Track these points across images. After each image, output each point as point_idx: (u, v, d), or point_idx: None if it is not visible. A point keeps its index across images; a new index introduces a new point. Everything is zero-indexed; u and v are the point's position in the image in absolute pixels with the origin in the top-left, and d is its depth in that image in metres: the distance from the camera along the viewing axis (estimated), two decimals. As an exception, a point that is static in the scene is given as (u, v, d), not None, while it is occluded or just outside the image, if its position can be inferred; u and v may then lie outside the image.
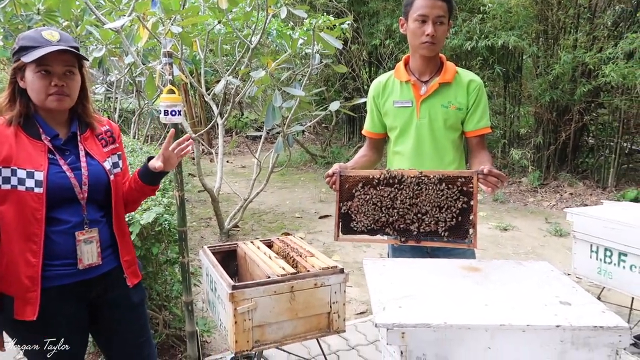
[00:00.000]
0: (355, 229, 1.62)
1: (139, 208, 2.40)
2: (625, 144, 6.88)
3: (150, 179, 1.68)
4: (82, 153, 1.57)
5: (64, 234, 1.51)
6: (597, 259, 2.65)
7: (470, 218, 1.53)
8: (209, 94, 4.92)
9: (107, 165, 1.62)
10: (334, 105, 4.19)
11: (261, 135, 5.43)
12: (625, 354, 1.28)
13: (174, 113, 2.11)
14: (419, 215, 1.56)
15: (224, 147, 5.07)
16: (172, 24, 3.66)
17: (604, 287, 2.76)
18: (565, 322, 1.25)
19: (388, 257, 2.07)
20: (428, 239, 1.59)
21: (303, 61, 5.57)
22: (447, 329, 1.24)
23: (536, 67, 6.82)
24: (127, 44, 3.72)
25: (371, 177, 1.59)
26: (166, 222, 2.38)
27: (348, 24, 6.59)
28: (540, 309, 1.33)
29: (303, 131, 11.23)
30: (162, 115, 2.12)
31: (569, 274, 3.80)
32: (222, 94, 4.54)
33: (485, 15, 6.51)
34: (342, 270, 2.01)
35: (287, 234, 5.41)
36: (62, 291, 1.51)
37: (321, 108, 5.72)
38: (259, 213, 6.09)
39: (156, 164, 1.64)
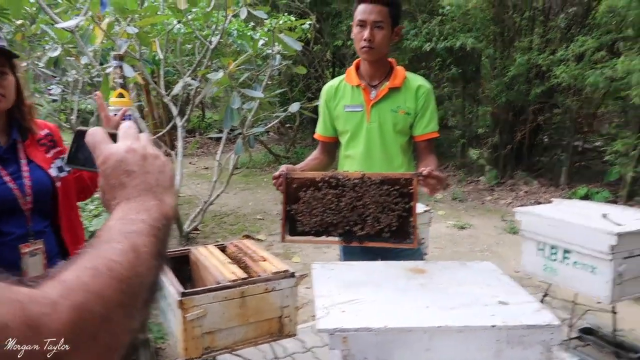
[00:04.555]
0: (301, 230, 1.63)
1: (89, 214, 2.34)
2: (577, 143, 7.15)
3: None
4: (23, 162, 1.51)
5: (7, 247, 1.45)
6: (543, 257, 2.74)
7: (411, 219, 1.57)
8: (168, 95, 4.84)
9: (53, 171, 1.57)
10: (294, 107, 4.19)
11: (222, 137, 5.38)
12: (557, 350, 1.33)
13: (124, 118, 2.07)
14: (362, 216, 1.59)
15: (184, 149, 5.00)
16: (127, 25, 3.59)
17: (550, 284, 2.87)
18: (500, 322, 1.29)
19: (340, 259, 2.10)
20: (371, 240, 1.61)
21: (266, 61, 5.56)
22: (388, 332, 1.27)
23: (493, 68, 7.01)
24: (81, 44, 3.62)
25: (316, 179, 1.61)
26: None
27: (309, 25, 6.62)
28: (479, 310, 1.37)
29: (267, 132, 11.20)
30: (111, 120, 2.07)
31: (518, 272, 3.94)
32: (181, 95, 4.48)
33: (444, 17, 6.65)
34: (293, 275, 2.01)
35: (247, 236, 5.40)
36: None
37: (284, 109, 5.71)
38: (220, 215, 6.03)
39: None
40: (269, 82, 8.88)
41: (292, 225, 1.64)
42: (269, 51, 4.70)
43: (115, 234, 0.50)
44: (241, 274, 1.96)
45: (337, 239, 1.63)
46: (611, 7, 4.87)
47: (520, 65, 6.19)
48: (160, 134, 4.56)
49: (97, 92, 1.64)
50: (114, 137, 0.63)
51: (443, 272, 1.64)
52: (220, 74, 3.53)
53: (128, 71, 3.01)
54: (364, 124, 1.88)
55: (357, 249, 1.91)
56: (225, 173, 5.40)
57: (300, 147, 9.98)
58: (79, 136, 0.70)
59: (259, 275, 1.99)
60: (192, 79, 4.28)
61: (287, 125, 10.30)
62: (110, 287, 0.44)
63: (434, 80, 7.59)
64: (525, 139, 7.26)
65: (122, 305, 0.44)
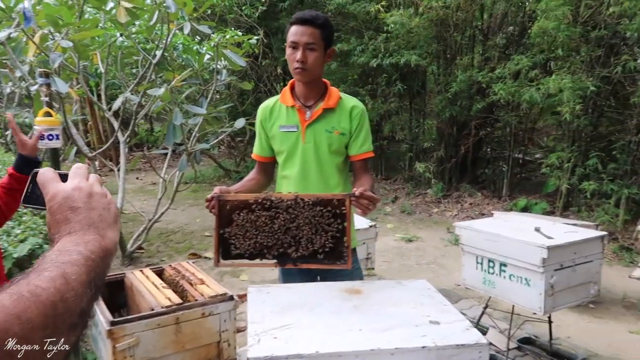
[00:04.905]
0: (235, 254, 1.60)
1: (14, 239, 2.21)
2: (518, 156, 7.47)
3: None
4: None
5: None
6: (482, 270, 2.82)
7: (344, 240, 1.57)
8: (110, 110, 4.69)
9: None
10: (240, 122, 4.15)
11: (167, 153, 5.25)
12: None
13: (50, 137, 1.97)
14: (296, 238, 1.58)
15: (126, 165, 4.83)
16: (62, 38, 3.45)
17: (489, 297, 2.95)
18: (431, 342, 1.31)
19: (279, 280, 2.07)
20: (305, 261, 1.60)
21: (213, 76, 5.50)
22: (319, 358, 1.25)
23: (437, 84, 7.24)
24: (13, 57, 3.45)
25: (249, 201, 1.59)
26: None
27: (257, 40, 6.62)
28: (411, 330, 1.38)
29: (219, 145, 11.05)
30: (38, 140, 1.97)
31: (459, 285, 4.03)
32: (122, 110, 4.34)
33: (389, 35, 6.81)
34: (231, 297, 1.97)
35: (194, 254, 5.27)
36: None
37: (230, 124, 5.65)
38: (166, 233, 5.86)
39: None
40: (217, 97, 8.78)
41: (226, 249, 1.60)
42: (218, 66, 4.65)
43: (47, 263, 0.54)
44: (176, 299, 1.90)
45: (272, 261, 1.60)
46: (542, 29, 5.15)
47: (461, 82, 6.42)
48: (102, 149, 4.39)
49: (8, 114, 1.56)
50: (65, 177, 0.68)
51: (378, 292, 1.64)
52: (162, 90, 3.45)
53: (61, 86, 2.89)
54: (300, 145, 1.88)
55: (296, 270, 1.90)
56: (172, 189, 5.27)
57: (251, 162, 9.88)
58: (34, 176, 0.74)
59: (196, 300, 1.93)
60: (133, 93, 4.16)
61: (239, 139, 10.20)
62: (31, 310, 0.47)
63: (380, 95, 7.74)
64: (469, 153, 7.51)
65: (44, 328, 0.48)
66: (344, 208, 1.55)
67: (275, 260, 1.59)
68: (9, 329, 0.44)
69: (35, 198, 0.74)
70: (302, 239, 1.57)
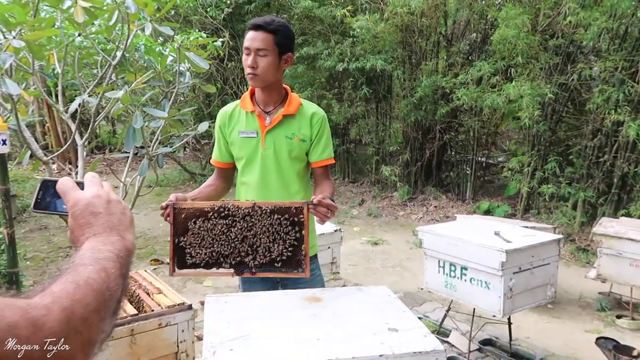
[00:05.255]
0: (191, 263, 1.56)
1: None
2: (482, 159, 7.63)
3: None
4: None
5: None
6: (444, 274, 2.86)
7: (302, 248, 1.55)
8: (67, 112, 4.52)
9: None
10: (203, 126, 4.08)
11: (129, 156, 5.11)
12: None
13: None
14: (254, 247, 1.55)
15: (84, 168, 4.68)
16: (15, 37, 3.31)
17: (452, 300, 2.99)
18: (388, 350, 1.30)
19: (239, 289, 2.04)
20: (263, 270, 1.58)
21: (180, 79, 5.39)
22: (276, 370, 1.23)
23: (402, 89, 7.32)
24: (-44, 57, 3.29)
25: (205, 209, 1.55)
26: (-9, 264, 2.10)
27: (222, 42, 6.53)
28: (369, 339, 1.37)
29: (184, 149, 10.86)
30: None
31: (422, 288, 4.07)
32: (79, 112, 4.21)
33: (355, 39, 6.85)
34: (190, 307, 1.92)
35: (156, 260, 5.15)
36: None
37: (193, 127, 5.55)
38: (128, 238, 5.70)
39: None
40: (182, 99, 8.63)
41: (181, 258, 1.56)
42: (180, 68, 4.56)
43: (87, 259, 0.63)
44: (131, 309, 1.84)
45: (229, 270, 1.57)
46: (503, 36, 5.28)
47: (426, 87, 6.51)
48: (57, 153, 4.24)
49: None
50: (82, 186, 0.76)
51: (338, 300, 1.63)
52: (121, 92, 3.35)
53: (12, 88, 2.77)
54: (259, 151, 1.86)
55: (257, 278, 1.87)
56: (134, 193, 5.13)
57: (216, 165, 9.77)
58: (44, 184, 0.83)
59: (152, 310, 1.88)
60: (91, 95, 4.03)
61: (204, 142, 10.06)
62: (88, 296, 0.57)
63: (347, 99, 7.78)
64: (434, 156, 7.63)
65: (97, 311, 0.57)
66: (301, 216, 1.53)
67: (232, 270, 1.56)
68: (75, 311, 0.54)
69: (45, 204, 0.82)
70: (259, 247, 1.55)
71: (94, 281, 0.59)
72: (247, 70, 1.78)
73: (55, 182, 0.78)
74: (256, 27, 1.77)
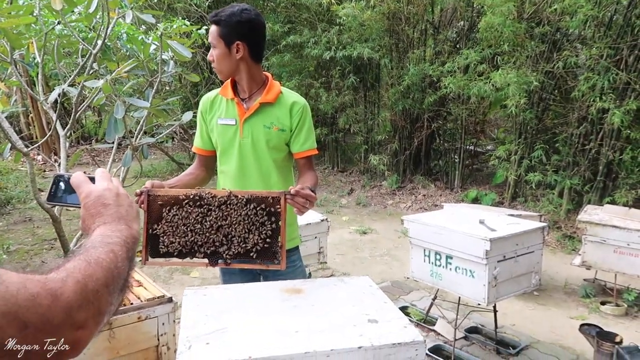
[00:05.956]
0: (164, 252, 1.52)
1: None
2: (470, 147, 7.64)
3: None
4: None
5: None
6: (429, 263, 2.86)
7: (279, 239, 1.52)
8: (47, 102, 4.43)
9: None
10: (187, 116, 4.01)
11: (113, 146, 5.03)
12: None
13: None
14: (228, 237, 1.52)
15: (66, 160, 4.60)
16: (-11, 25, 3.22)
17: (438, 289, 2.99)
18: (367, 342, 1.29)
19: (220, 281, 2.01)
20: (238, 261, 1.55)
21: (164, 68, 5.30)
22: (252, 363, 1.21)
23: (390, 77, 7.28)
24: None
25: (180, 197, 1.51)
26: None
27: (206, 30, 6.43)
28: (348, 330, 1.35)
29: (172, 138, 10.74)
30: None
31: (408, 277, 4.08)
32: (60, 102, 4.11)
33: (342, 27, 6.79)
34: (170, 300, 1.90)
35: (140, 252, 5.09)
36: None
37: (176, 118, 5.47)
38: (114, 230, 5.64)
39: None
40: (167, 89, 8.51)
41: (154, 247, 1.52)
42: (164, 57, 4.48)
43: (98, 243, 0.71)
44: (109, 303, 1.81)
45: (203, 260, 1.54)
46: (489, 24, 5.25)
47: (413, 75, 6.48)
48: (37, 145, 4.15)
49: None
50: (92, 180, 0.84)
51: (319, 291, 1.61)
52: (101, 81, 3.27)
53: (-13, 78, 2.69)
54: (237, 139, 1.82)
55: (236, 269, 1.84)
56: (125, 184, 5.05)
57: (204, 155, 9.69)
58: (58, 179, 0.92)
59: (131, 303, 1.85)
60: (72, 85, 3.94)
61: (192, 131, 9.96)
62: (98, 272, 0.63)
63: (335, 87, 7.72)
64: (422, 145, 7.62)
65: (106, 285, 0.64)
66: (278, 206, 1.50)
67: (206, 260, 1.52)
68: (87, 285, 0.61)
69: (59, 197, 0.92)
70: (234, 237, 1.51)
71: (103, 260, 0.66)
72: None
73: (67, 176, 0.89)
74: (209, 21, 1.81)
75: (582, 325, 2.99)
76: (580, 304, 3.84)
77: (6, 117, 4.32)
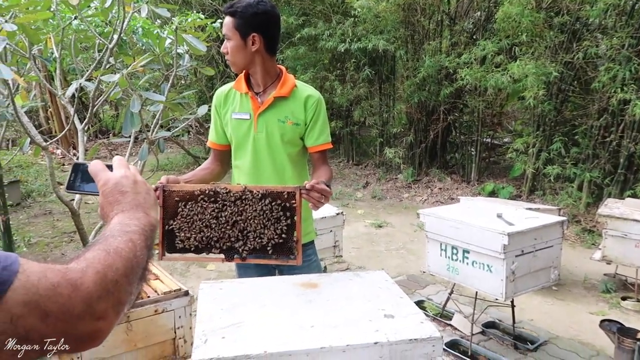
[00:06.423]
0: (181, 247, 1.52)
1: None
2: (487, 140, 7.54)
3: None
4: None
5: None
6: (446, 257, 2.83)
7: (294, 235, 1.51)
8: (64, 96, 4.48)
9: None
10: (202, 110, 4.02)
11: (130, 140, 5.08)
12: (441, 361, 1.33)
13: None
14: (244, 232, 1.51)
15: (85, 154, 4.65)
16: (7, 21, 3.26)
17: (454, 283, 2.96)
18: (383, 338, 1.27)
19: (236, 275, 2.01)
20: (254, 256, 1.54)
21: (179, 62, 5.32)
22: (268, 358, 1.21)
23: (405, 69, 7.21)
24: (-47, 41, 3.24)
25: (195, 192, 1.51)
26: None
27: (221, 23, 6.43)
28: (364, 326, 1.34)
29: (188, 132, 10.80)
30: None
31: (424, 272, 4.05)
32: (77, 97, 4.16)
33: (356, 19, 6.73)
34: (186, 293, 1.91)
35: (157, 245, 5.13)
36: None
37: (191, 112, 5.49)
38: (131, 223, 5.71)
39: None
40: (184, 83, 8.54)
41: (171, 242, 1.52)
42: (179, 51, 4.49)
43: (117, 231, 0.70)
44: (126, 296, 1.82)
45: (219, 255, 1.53)
46: (507, 14, 5.15)
47: (429, 67, 6.41)
48: (56, 139, 4.21)
49: None
50: (110, 167, 0.85)
51: (334, 286, 1.60)
52: (117, 76, 3.29)
53: (5, 72, 2.72)
54: (251, 133, 1.81)
55: (252, 263, 1.84)
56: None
57: (220, 148, 9.73)
58: (76, 167, 0.93)
59: (148, 296, 1.86)
60: (90, 79, 3.98)
61: (208, 125, 10.01)
62: (117, 262, 0.64)
63: (349, 80, 7.67)
64: (438, 138, 7.55)
65: (125, 275, 0.64)
66: (294, 201, 1.49)
67: (222, 255, 1.52)
68: (107, 275, 0.61)
69: (77, 186, 0.92)
70: (250, 232, 1.51)
71: (122, 250, 0.66)
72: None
73: (86, 165, 0.88)
74: (224, 12, 1.78)
75: (602, 321, 2.94)
76: (601, 299, 3.77)
77: (26, 112, 4.38)
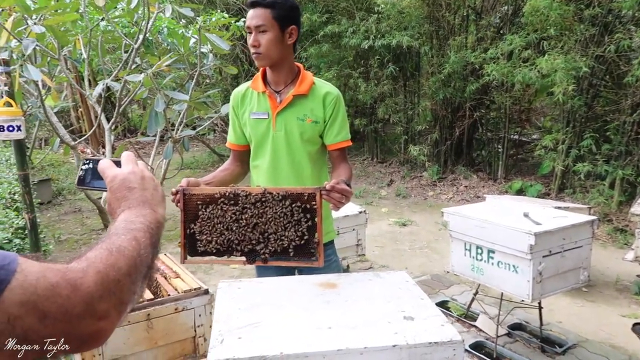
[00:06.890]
0: (202, 250, 1.52)
1: (-16, 233, 2.15)
2: (514, 137, 7.37)
3: None
4: None
5: None
6: (470, 257, 2.77)
7: (315, 236, 1.49)
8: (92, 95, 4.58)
9: None
10: (225, 109, 4.05)
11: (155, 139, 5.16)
12: (461, 366, 1.30)
13: (11, 129, 1.89)
14: (265, 234, 1.50)
15: (112, 153, 4.74)
16: (35, 23, 3.34)
17: (479, 284, 2.90)
18: (402, 340, 1.24)
19: (255, 274, 2.01)
20: (275, 259, 1.53)
21: (203, 61, 5.37)
22: (284, 359, 1.19)
23: (430, 65, 7.11)
24: (-15, 44, 3.33)
25: (215, 195, 1.50)
26: (15, 248, 2.14)
27: (244, 22, 6.46)
28: (383, 327, 1.31)
29: (213, 130, 10.91)
30: (-1, 131, 1.89)
31: (448, 271, 3.98)
32: (104, 97, 4.24)
33: (380, 16, 6.66)
34: (206, 292, 1.91)
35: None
36: None
37: (216, 110, 5.54)
38: (157, 220, 5.79)
39: None
40: (208, 82, 8.62)
41: (193, 246, 1.53)
42: (203, 50, 4.53)
43: (121, 229, 0.69)
44: (147, 294, 1.84)
45: (240, 258, 1.53)
46: (535, 7, 5.01)
47: (454, 63, 6.30)
48: (84, 138, 4.30)
49: None
50: (118, 163, 0.84)
51: (353, 286, 1.58)
52: (142, 75, 3.34)
53: (34, 73, 2.79)
54: (270, 132, 1.79)
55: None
56: (161, 177, 5.18)
57: (244, 147, 9.79)
58: (85, 164, 0.93)
59: (169, 295, 1.87)
60: (117, 79, 4.05)
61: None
62: (120, 261, 0.63)
63: (373, 77, 7.61)
64: (464, 135, 7.42)
65: (128, 274, 0.63)
66: (314, 203, 1.47)
67: (244, 258, 1.52)
68: (109, 274, 0.60)
69: (87, 182, 0.92)
70: (270, 235, 1.50)
71: (125, 248, 0.65)
72: (252, 50, 1.72)
73: (96, 161, 0.89)
74: (253, 4, 1.70)
75: (635, 324, 2.83)
76: (633, 302, 3.64)
77: (57, 112, 4.50)
